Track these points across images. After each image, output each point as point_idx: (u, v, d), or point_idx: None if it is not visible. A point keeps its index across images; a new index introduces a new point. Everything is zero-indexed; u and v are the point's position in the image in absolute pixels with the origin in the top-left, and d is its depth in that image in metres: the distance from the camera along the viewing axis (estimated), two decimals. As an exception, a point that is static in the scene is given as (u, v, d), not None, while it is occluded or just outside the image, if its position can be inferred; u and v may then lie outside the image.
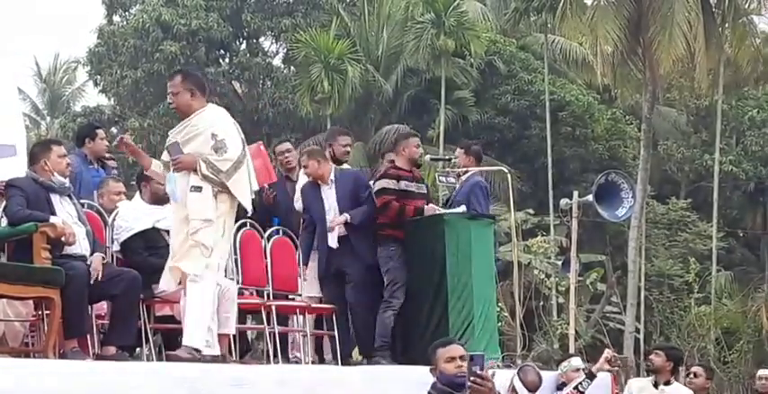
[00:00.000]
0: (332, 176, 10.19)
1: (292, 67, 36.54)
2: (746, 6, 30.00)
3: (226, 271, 9.10)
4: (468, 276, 9.96)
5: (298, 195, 10.47)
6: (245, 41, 36.94)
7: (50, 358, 7.37)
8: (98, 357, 7.89)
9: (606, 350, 9.99)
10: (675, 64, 28.72)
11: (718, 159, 32.17)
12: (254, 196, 8.47)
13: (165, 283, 8.14)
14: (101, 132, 10.45)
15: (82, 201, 8.66)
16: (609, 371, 9.88)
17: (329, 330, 10.05)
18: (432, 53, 32.79)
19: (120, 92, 36.10)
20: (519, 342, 11.86)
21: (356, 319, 10.02)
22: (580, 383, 9.28)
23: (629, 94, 31.77)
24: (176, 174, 8.04)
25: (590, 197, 18.85)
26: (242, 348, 9.45)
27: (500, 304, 15.93)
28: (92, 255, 7.99)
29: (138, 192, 9.04)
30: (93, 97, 42.81)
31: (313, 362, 9.83)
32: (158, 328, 8.78)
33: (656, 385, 9.83)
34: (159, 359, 8.52)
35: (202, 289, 7.89)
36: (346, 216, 10.01)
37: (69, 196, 8.21)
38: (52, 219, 7.81)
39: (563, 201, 20.60)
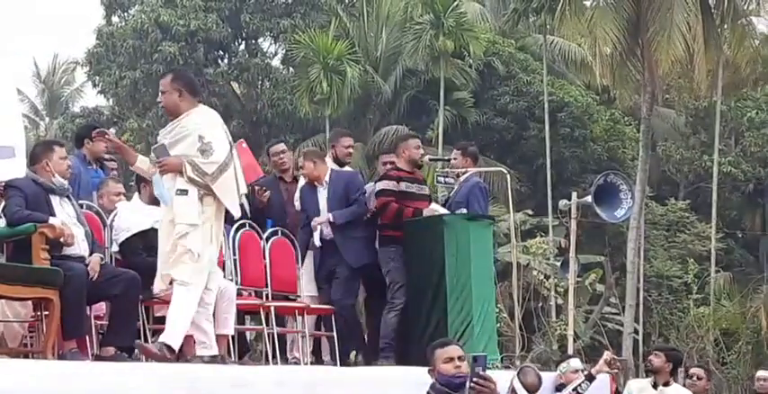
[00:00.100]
0: (327, 177, 10.24)
1: (291, 68, 36.53)
2: (745, 7, 30.01)
3: (224, 271, 9.12)
4: (467, 277, 9.97)
5: (298, 194, 10.51)
6: (243, 42, 36.94)
7: (49, 359, 7.37)
8: (97, 358, 7.89)
9: (606, 352, 10.01)
10: (674, 65, 28.71)
11: (716, 160, 32.18)
12: (243, 200, 8.43)
13: (157, 286, 8.12)
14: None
15: (80, 201, 8.66)
16: (608, 372, 9.88)
17: (327, 330, 10.05)
18: (431, 54, 32.78)
19: (119, 92, 36.09)
20: (518, 343, 11.87)
21: (337, 319, 10.06)
22: (579, 385, 9.28)
23: (627, 94, 31.74)
24: (162, 177, 8.03)
25: (589, 198, 18.87)
26: (241, 349, 9.45)
27: (499, 305, 15.94)
28: (91, 255, 7.99)
29: (136, 193, 9.04)
30: (91, 98, 42.87)
31: (311, 363, 9.84)
32: (157, 329, 8.76)
33: (655, 386, 9.83)
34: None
35: (188, 292, 7.84)
36: (328, 216, 10.08)
37: (68, 197, 8.21)
38: (51, 220, 7.81)
39: (562, 202, 20.62)
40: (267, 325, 9.45)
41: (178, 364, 7.72)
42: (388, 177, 10.29)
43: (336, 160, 10.66)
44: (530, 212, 31.04)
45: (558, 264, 26.56)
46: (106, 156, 10.34)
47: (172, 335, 7.79)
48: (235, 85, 37.02)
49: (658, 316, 28.77)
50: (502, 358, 10.62)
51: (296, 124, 35.64)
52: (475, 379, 5.79)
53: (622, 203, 18.64)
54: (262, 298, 9.62)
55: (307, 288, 10.23)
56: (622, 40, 27.98)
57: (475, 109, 34.53)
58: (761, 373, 12.40)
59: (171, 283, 7.97)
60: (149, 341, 8.32)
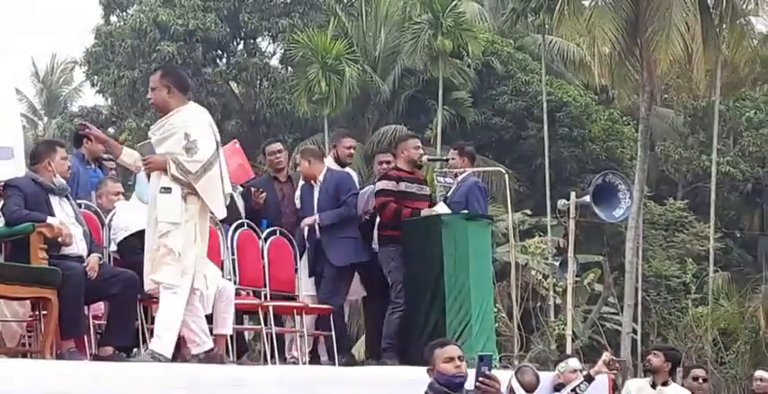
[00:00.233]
0: (321, 177, 10.26)
1: (290, 68, 36.52)
2: (744, 7, 29.98)
3: (223, 271, 9.12)
4: (466, 277, 9.97)
5: (298, 193, 10.52)
6: (242, 42, 36.94)
7: (47, 358, 7.37)
8: (95, 358, 7.89)
9: (605, 353, 10.01)
10: (673, 65, 28.71)
11: (715, 160, 32.17)
12: (227, 201, 8.39)
13: (147, 284, 8.05)
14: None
15: (79, 201, 8.67)
16: (607, 373, 9.88)
17: (326, 330, 10.05)
18: (429, 54, 32.78)
19: (118, 92, 36.08)
20: (516, 342, 11.89)
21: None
22: (578, 386, 9.29)
23: (626, 94, 31.73)
24: (143, 176, 8.01)
25: (587, 198, 18.89)
26: (239, 349, 9.45)
27: (497, 305, 15.94)
28: (89, 255, 7.99)
29: (135, 193, 9.04)
30: (90, 97, 42.82)
31: (310, 363, 9.84)
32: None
33: (653, 386, 9.83)
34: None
35: (175, 296, 7.81)
36: (315, 217, 10.10)
37: (67, 197, 8.21)
38: (49, 220, 7.81)
39: (560, 202, 20.65)
40: (266, 324, 9.45)
41: (176, 364, 7.72)
42: (388, 177, 10.30)
43: (337, 160, 10.70)
44: (528, 212, 31.03)
45: (557, 263, 26.57)
46: (105, 156, 10.34)
47: (162, 343, 7.76)
48: (233, 85, 37.01)
49: (657, 316, 28.76)
50: (500, 358, 10.63)
51: (294, 124, 35.64)
52: (481, 378, 5.80)
53: (621, 203, 18.66)
54: (260, 297, 9.63)
55: (305, 287, 10.24)
56: (621, 39, 27.97)
57: (473, 108, 34.53)
58: (759, 373, 12.39)
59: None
60: (147, 340, 8.32)
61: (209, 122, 8.12)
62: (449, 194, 10.88)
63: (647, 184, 30.43)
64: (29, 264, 7.61)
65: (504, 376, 8.91)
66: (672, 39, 27.02)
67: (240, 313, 9.48)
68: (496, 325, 12.25)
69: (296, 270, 10.14)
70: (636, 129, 32.38)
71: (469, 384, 6.04)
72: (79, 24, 60.65)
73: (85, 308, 8.01)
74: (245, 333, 10.50)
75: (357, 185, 10.67)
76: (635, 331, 28.37)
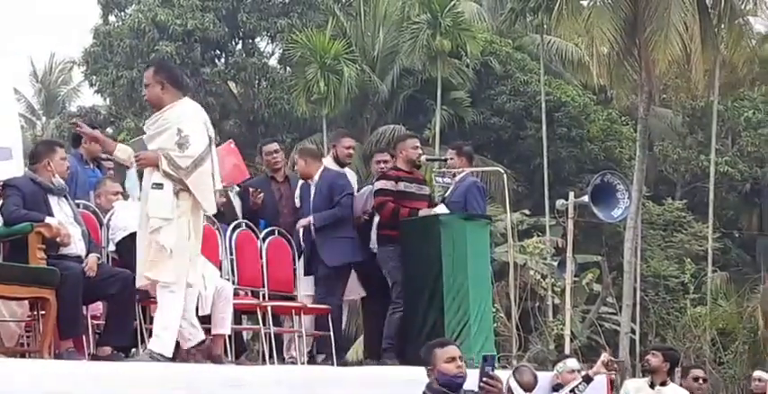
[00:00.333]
0: (317, 176, 10.26)
1: (288, 68, 36.51)
2: (743, 7, 29.96)
3: (221, 271, 9.12)
4: (464, 277, 9.97)
5: (298, 192, 10.52)
6: (240, 42, 36.92)
7: (46, 358, 7.37)
8: (94, 358, 7.89)
9: (603, 354, 10.03)
10: (671, 65, 28.69)
11: (713, 160, 32.17)
12: (218, 198, 8.38)
13: (139, 280, 7.99)
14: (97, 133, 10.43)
15: (77, 201, 8.66)
16: (606, 374, 9.89)
17: (324, 330, 10.05)
18: (428, 53, 32.77)
19: (116, 92, 36.05)
20: (515, 342, 11.91)
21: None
22: (576, 386, 9.29)
23: (624, 94, 31.70)
24: (134, 172, 7.99)
25: (586, 198, 18.90)
26: (238, 349, 9.45)
27: (496, 305, 15.96)
28: (87, 255, 7.98)
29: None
30: (88, 97, 42.82)
31: (308, 363, 9.84)
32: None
33: (652, 386, 9.83)
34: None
35: (173, 294, 7.79)
36: (310, 219, 10.10)
37: (66, 197, 8.21)
38: (48, 220, 7.81)
39: (559, 202, 20.65)
40: (264, 324, 9.45)
41: (175, 364, 7.71)
42: (387, 177, 10.31)
43: (337, 160, 10.68)
44: (527, 212, 31.03)
45: (555, 263, 26.59)
46: (103, 156, 10.33)
47: (161, 343, 7.74)
48: (232, 85, 36.99)
49: (655, 316, 28.76)
50: (499, 358, 10.61)
51: (293, 124, 35.62)
52: (485, 378, 5.81)
53: (619, 203, 18.68)
54: (258, 297, 9.62)
55: (304, 287, 10.24)
56: (619, 39, 27.96)
57: (472, 108, 34.53)
58: (757, 373, 12.41)
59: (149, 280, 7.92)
60: (146, 340, 8.32)
61: (202, 118, 8.07)
62: (447, 194, 10.88)
63: (645, 184, 30.42)
64: (27, 264, 7.61)
65: (503, 376, 8.92)
66: (670, 39, 27.01)
67: (239, 313, 9.48)
68: (495, 325, 12.25)
69: (294, 270, 10.14)
70: (634, 129, 32.38)
71: (469, 385, 6.05)
72: (78, 24, 60.64)
73: (84, 308, 8.01)
74: (244, 333, 10.50)
75: (353, 185, 10.66)
76: (633, 331, 28.37)
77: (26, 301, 7.82)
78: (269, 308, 9.49)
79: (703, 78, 30.03)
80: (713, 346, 26.05)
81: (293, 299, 10.05)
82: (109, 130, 33.71)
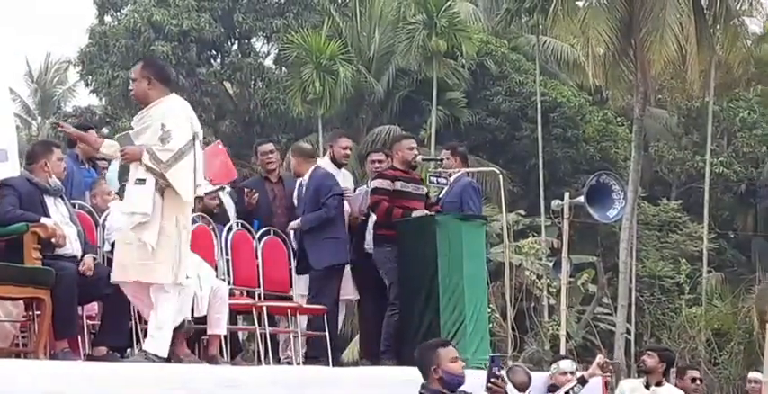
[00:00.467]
0: (306, 175, 10.26)
1: (284, 68, 36.51)
2: (738, 8, 30.02)
3: (217, 271, 9.12)
4: (460, 277, 9.96)
5: (296, 192, 10.52)
6: (236, 42, 36.91)
7: (41, 359, 7.36)
8: (89, 358, 7.89)
9: (599, 355, 10.02)
10: (667, 65, 28.75)
11: (709, 161, 32.21)
12: (202, 194, 8.34)
13: (115, 275, 7.85)
14: (92, 133, 10.41)
15: (73, 201, 8.65)
16: (601, 376, 9.89)
17: (320, 330, 10.05)
18: (423, 54, 32.80)
19: (112, 92, 36.03)
20: (510, 343, 11.92)
21: (310, 320, 10.09)
22: (572, 388, 9.29)
23: (620, 95, 31.77)
24: (116, 165, 7.96)
25: (581, 198, 18.92)
26: (233, 349, 9.45)
27: (491, 305, 15.95)
28: (83, 255, 7.98)
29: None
30: (84, 97, 42.77)
31: (304, 363, 9.83)
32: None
33: (647, 386, 9.83)
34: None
35: (167, 295, 7.74)
36: (298, 221, 10.12)
37: (62, 197, 8.21)
38: (43, 220, 7.81)
39: (554, 203, 20.67)
40: (259, 325, 9.45)
41: (170, 364, 7.71)
42: (384, 176, 10.31)
43: (333, 161, 10.66)
44: (522, 212, 31.05)
45: (551, 264, 26.58)
46: (98, 156, 10.32)
47: (156, 343, 7.71)
48: (227, 85, 36.98)
49: (650, 316, 28.78)
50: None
51: (288, 124, 35.62)
52: (492, 379, 5.82)
53: (615, 204, 18.68)
54: (254, 298, 9.62)
55: (299, 288, 10.24)
56: (615, 40, 28.00)
57: (467, 109, 34.55)
58: (752, 375, 12.45)
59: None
60: (141, 341, 8.31)
61: (188, 115, 7.98)
62: (442, 195, 10.88)
63: (640, 185, 30.44)
64: (22, 264, 7.60)
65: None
66: (666, 39, 27.05)
67: (234, 313, 9.47)
68: (490, 325, 12.29)
69: (290, 270, 10.14)
70: (630, 130, 32.44)
71: (468, 386, 6.06)
72: (74, 24, 60.63)
73: (79, 308, 8.00)
74: (239, 333, 10.50)
75: (350, 186, 10.65)
76: (629, 331, 28.42)
77: (21, 301, 7.81)
78: (264, 309, 9.49)
79: (699, 79, 30.07)
80: (708, 347, 26.08)
81: (289, 299, 10.05)
82: (104, 131, 33.69)
